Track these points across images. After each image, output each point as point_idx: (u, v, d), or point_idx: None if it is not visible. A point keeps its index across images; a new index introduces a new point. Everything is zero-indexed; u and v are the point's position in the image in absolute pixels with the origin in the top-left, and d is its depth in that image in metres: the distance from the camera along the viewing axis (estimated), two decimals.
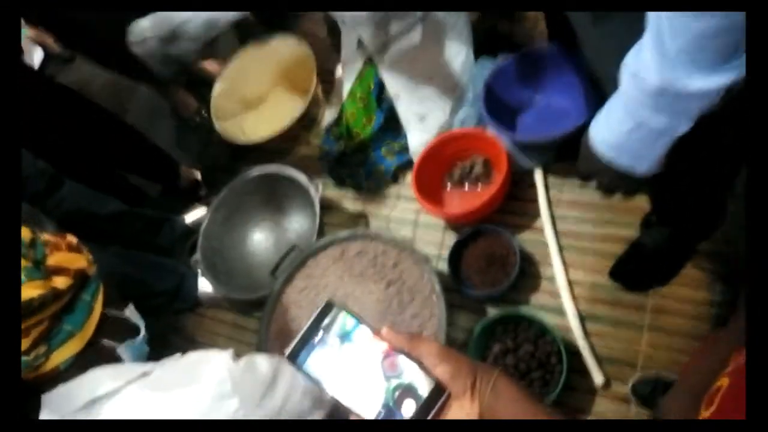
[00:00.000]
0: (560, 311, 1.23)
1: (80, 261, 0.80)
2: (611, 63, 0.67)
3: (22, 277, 0.71)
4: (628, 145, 0.68)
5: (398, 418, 0.51)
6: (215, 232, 1.59)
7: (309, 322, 0.55)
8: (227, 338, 1.59)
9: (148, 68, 1.86)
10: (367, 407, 0.52)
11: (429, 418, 0.51)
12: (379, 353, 0.53)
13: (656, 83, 0.60)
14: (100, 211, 1.53)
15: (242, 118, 1.84)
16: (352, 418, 0.53)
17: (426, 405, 0.51)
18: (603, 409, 1.14)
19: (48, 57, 2.50)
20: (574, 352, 1.17)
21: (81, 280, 0.79)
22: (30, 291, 0.71)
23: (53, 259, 0.77)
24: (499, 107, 1.38)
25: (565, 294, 1.24)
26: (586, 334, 1.20)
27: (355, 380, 0.53)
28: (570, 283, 1.25)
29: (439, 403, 0.51)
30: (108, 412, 0.74)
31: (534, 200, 1.36)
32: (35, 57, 2.45)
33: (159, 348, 0.95)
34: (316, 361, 0.54)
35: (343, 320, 0.55)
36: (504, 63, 1.40)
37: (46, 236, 0.81)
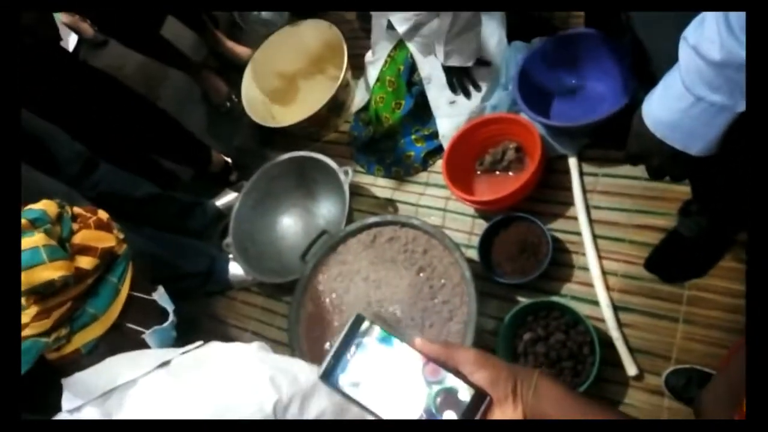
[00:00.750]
0: (593, 301, 1.22)
1: (108, 240, 0.76)
2: (667, 38, 0.65)
3: (44, 256, 0.68)
4: (683, 122, 0.66)
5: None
6: (246, 216, 1.61)
7: (340, 338, 0.53)
8: (257, 321, 1.61)
9: (180, 53, 1.88)
10: (414, 413, 0.51)
11: None
12: (420, 359, 0.52)
13: (719, 57, 0.58)
14: (134, 194, 1.56)
15: (272, 103, 1.85)
16: None
17: (468, 412, 0.50)
18: (635, 401, 1.13)
19: (80, 41, 2.54)
20: (607, 343, 1.16)
21: (108, 260, 0.75)
22: (51, 272, 0.68)
23: (79, 237, 0.74)
24: (533, 92, 1.36)
25: (598, 284, 1.22)
26: (620, 324, 1.18)
27: (395, 387, 0.52)
28: (604, 273, 1.23)
29: (482, 410, 0.50)
30: (126, 402, 0.71)
31: (567, 188, 1.34)
32: (69, 42, 2.48)
33: (190, 330, 0.93)
34: (353, 372, 0.53)
35: (378, 331, 0.54)
36: (538, 47, 1.37)
37: (76, 209, 0.79)
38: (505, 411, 0.50)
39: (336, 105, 1.68)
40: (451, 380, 0.51)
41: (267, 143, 1.86)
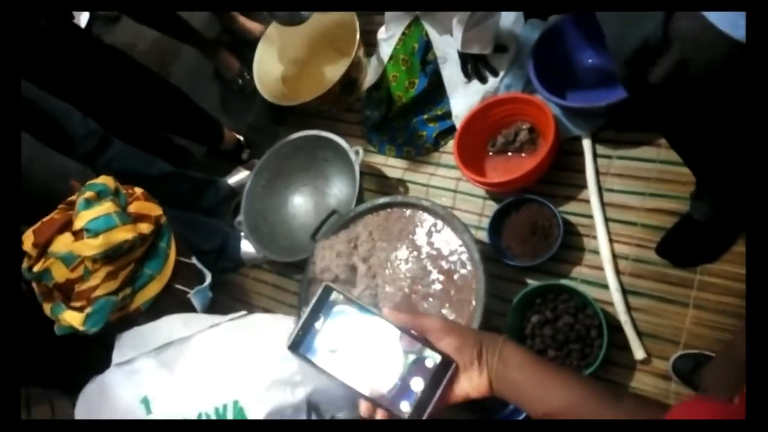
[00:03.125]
0: (603, 285, 1.21)
1: (156, 209, 0.86)
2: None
3: (116, 220, 0.77)
4: None
5: (410, 393, 0.52)
6: (258, 194, 1.61)
7: (309, 309, 0.54)
8: (268, 298, 1.64)
9: (193, 29, 1.87)
10: (382, 381, 0.52)
11: (439, 391, 0.51)
12: (396, 330, 0.53)
13: None
14: (147, 172, 1.57)
15: (284, 80, 1.84)
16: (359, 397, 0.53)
17: (435, 378, 0.51)
18: (642, 384, 1.13)
19: (93, 17, 2.53)
20: (615, 327, 1.16)
21: (158, 227, 0.85)
22: (123, 234, 0.77)
23: (134, 207, 0.83)
24: (548, 72, 1.33)
25: (608, 267, 1.21)
26: (629, 308, 1.17)
27: (368, 356, 0.53)
28: (614, 257, 1.22)
29: (448, 376, 0.51)
30: (183, 355, 0.81)
31: (580, 170, 1.32)
32: (82, 17, 2.48)
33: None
34: (322, 342, 0.54)
35: (348, 302, 0.54)
36: (554, 25, 1.35)
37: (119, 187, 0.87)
38: (471, 376, 0.51)
39: (348, 83, 1.66)
40: (423, 349, 0.52)
41: (279, 121, 1.86)
